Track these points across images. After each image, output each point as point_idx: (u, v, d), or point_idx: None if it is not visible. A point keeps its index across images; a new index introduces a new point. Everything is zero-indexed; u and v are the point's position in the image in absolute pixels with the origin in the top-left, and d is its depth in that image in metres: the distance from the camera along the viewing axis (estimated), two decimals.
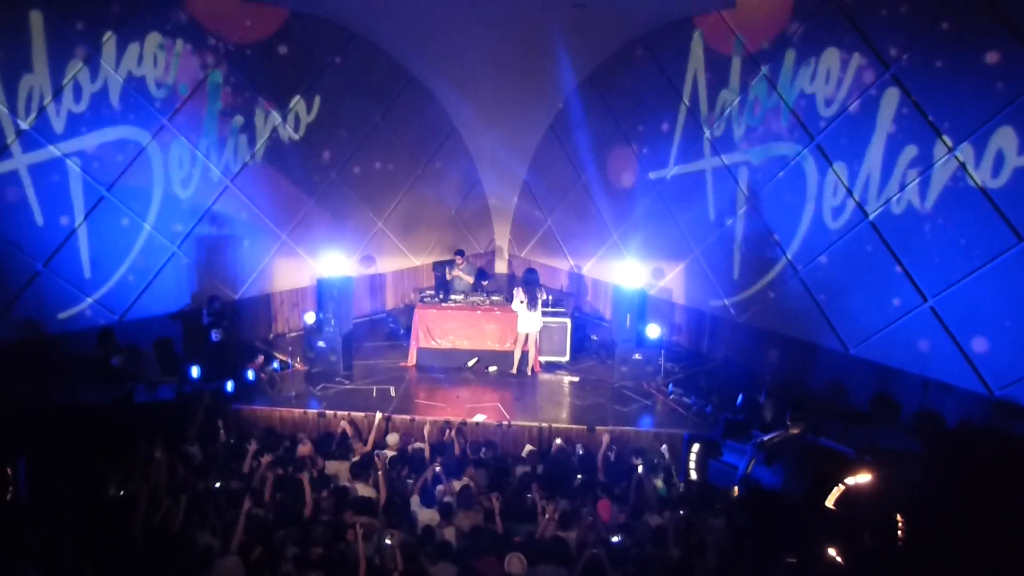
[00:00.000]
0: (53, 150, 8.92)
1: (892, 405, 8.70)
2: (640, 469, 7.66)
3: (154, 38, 9.43)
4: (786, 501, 6.12)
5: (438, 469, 7.45)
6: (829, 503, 5.92)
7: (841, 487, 5.90)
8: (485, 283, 11.70)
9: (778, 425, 7.26)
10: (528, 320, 10.43)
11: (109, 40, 9.06)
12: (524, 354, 10.64)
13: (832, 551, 5.78)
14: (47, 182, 8.94)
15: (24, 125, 8.66)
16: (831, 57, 8.81)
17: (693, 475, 7.35)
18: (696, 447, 7.33)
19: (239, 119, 10.56)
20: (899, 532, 6.02)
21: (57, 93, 8.81)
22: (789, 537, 6.00)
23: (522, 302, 10.37)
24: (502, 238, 14.43)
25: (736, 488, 6.71)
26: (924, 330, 8.40)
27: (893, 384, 8.74)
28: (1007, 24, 7.28)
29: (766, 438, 6.65)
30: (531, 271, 10.89)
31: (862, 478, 5.94)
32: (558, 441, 8.68)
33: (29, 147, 8.76)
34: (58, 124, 8.91)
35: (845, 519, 5.89)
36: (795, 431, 6.69)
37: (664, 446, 8.47)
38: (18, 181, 8.73)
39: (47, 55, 8.65)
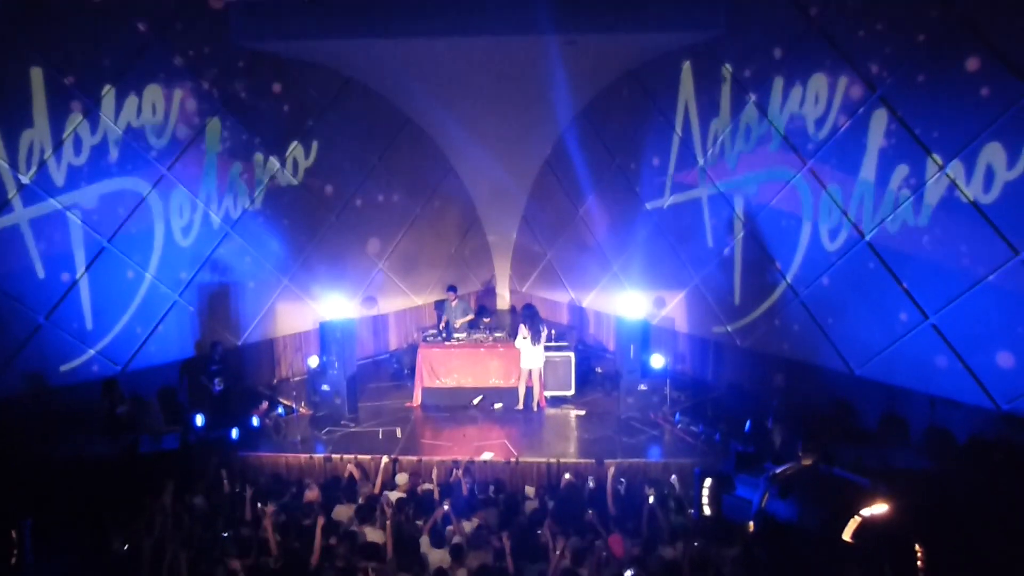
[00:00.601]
0: (54, 203, 9.00)
1: (900, 424, 8.65)
2: (651, 500, 7.58)
3: (152, 89, 9.57)
4: (803, 534, 6.03)
5: (447, 509, 7.38)
6: (846, 535, 5.83)
7: (858, 519, 5.81)
8: (487, 320, 11.70)
9: (788, 453, 7.20)
10: (531, 355, 10.42)
11: (108, 93, 9.20)
12: (529, 389, 10.61)
13: None
14: (48, 235, 9.01)
15: (25, 179, 8.75)
16: (818, 81, 8.94)
17: (706, 510, 7.25)
18: (708, 481, 7.24)
19: (238, 166, 10.67)
20: (919, 562, 5.92)
21: (57, 147, 8.92)
22: (808, 571, 5.91)
23: (525, 338, 10.37)
24: (502, 274, 14.47)
25: (751, 523, 6.61)
26: (927, 347, 8.39)
27: (900, 403, 8.70)
28: (986, 43, 7.42)
29: (779, 470, 6.57)
30: (530, 306, 10.92)
31: (878, 508, 5.85)
32: (567, 476, 8.60)
33: (30, 201, 8.84)
34: (59, 177, 9.00)
35: (863, 551, 5.80)
36: (808, 462, 6.61)
37: (674, 476, 8.39)
38: (19, 235, 8.80)
39: (47, 110, 8.78)
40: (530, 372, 10.53)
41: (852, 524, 5.80)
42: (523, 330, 10.43)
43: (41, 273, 9.01)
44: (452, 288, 11.97)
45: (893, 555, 5.85)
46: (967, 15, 7.53)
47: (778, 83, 9.38)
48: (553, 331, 11.34)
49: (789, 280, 9.72)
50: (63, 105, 8.90)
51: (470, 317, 11.63)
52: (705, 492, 7.24)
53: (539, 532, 6.96)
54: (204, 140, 10.23)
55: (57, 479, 7.85)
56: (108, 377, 9.36)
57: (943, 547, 6.03)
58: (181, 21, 9.60)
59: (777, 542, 6.19)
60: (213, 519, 7.37)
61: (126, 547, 6.73)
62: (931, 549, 5.91)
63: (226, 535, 6.96)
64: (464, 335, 11.13)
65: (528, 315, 10.62)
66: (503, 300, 14.54)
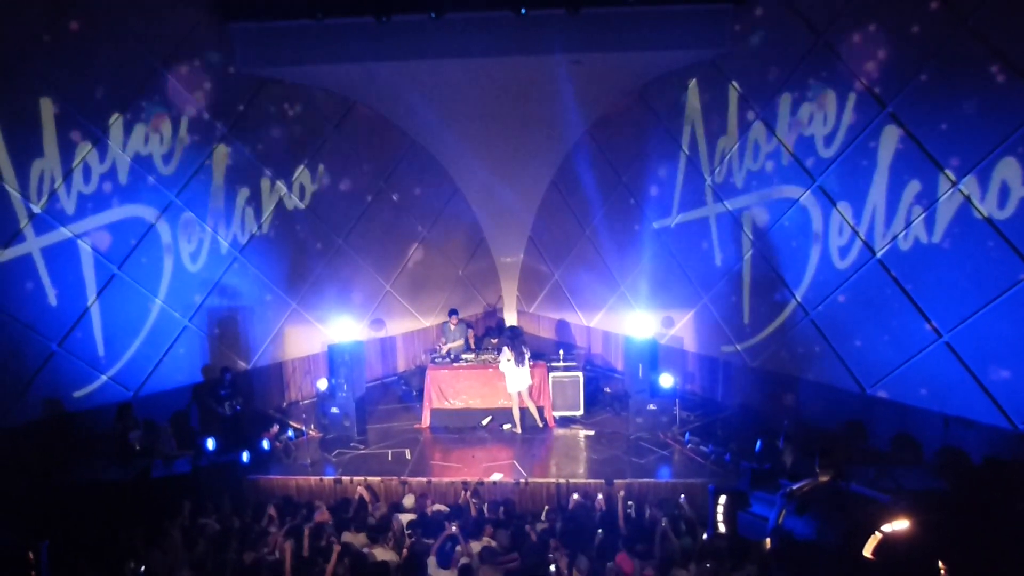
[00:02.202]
0: (65, 231, 9.07)
1: (914, 444, 8.56)
2: (664, 522, 7.52)
3: (159, 117, 9.64)
4: (822, 552, 5.95)
5: (455, 530, 7.34)
6: (867, 552, 5.75)
7: (878, 535, 5.74)
8: (494, 341, 11.64)
9: (802, 471, 7.12)
10: (516, 378, 10.35)
11: (116, 122, 9.29)
12: (524, 411, 10.55)
13: None
14: (59, 263, 9.07)
15: (36, 208, 8.83)
16: (827, 99, 8.93)
17: (721, 528, 7.18)
18: (723, 499, 7.18)
19: (245, 191, 10.73)
20: None
21: (67, 176, 9.00)
22: None
23: (509, 360, 10.31)
24: (510, 294, 14.46)
25: (768, 540, 6.54)
26: (941, 366, 8.31)
27: (913, 422, 8.61)
28: (1000, 56, 7.37)
29: (795, 487, 6.50)
30: (514, 328, 10.91)
31: (899, 524, 5.78)
32: (576, 496, 8.55)
33: (41, 230, 8.91)
34: (69, 206, 9.07)
35: (885, 568, 5.71)
36: (825, 478, 6.54)
37: (683, 496, 8.30)
38: (31, 264, 8.86)
39: (57, 139, 8.87)
40: (519, 394, 10.47)
41: (872, 540, 5.70)
42: (506, 352, 10.38)
43: (53, 301, 9.07)
44: (453, 312, 12.00)
45: (915, 572, 5.77)
46: (980, 29, 7.50)
47: (786, 100, 9.37)
48: (561, 351, 11.33)
49: (799, 298, 9.67)
50: (72, 134, 8.99)
51: (459, 343, 11.61)
52: (719, 509, 7.17)
53: (549, 556, 6.91)
54: (211, 166, 10.30)
55: (72, 503, 7.91)
56: (121, 403, 9.38)
57: (965, 565, 5.95)
58: (187, 49, 9.70)
59: (795, 559, 6.11)
60: (225, 541, 7.37)
61: (142, 569, 6.73)
62: (953, 567, 5.83)
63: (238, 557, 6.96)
64: (472, 356, 11.11)
65: (511, 336, 10.58)
66: (511, 321, 14.51)
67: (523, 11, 9.42)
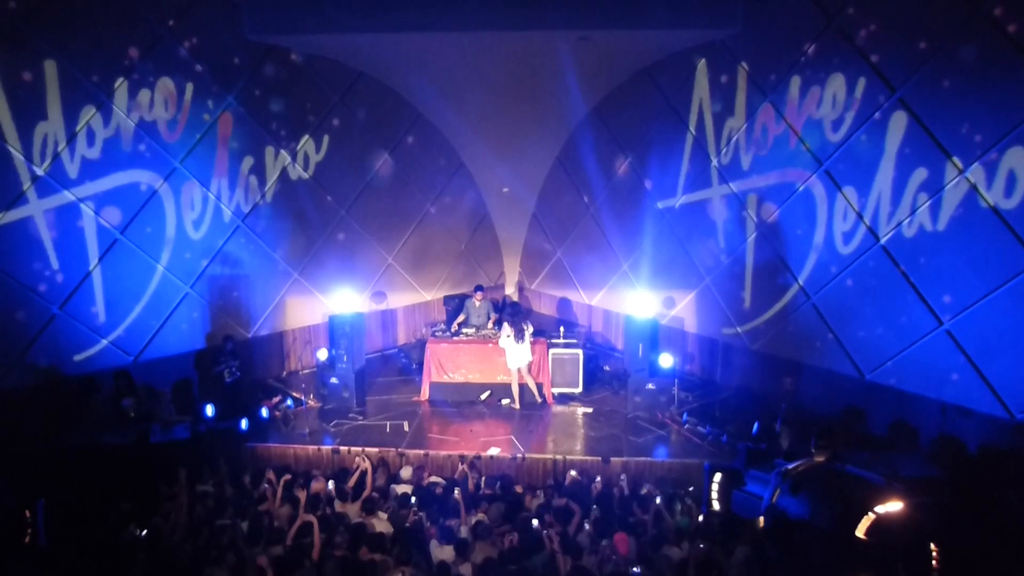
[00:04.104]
0: (68, 195, 9.04)
1: (910, 431, 8.59)
2: (658, 500, 7.58)
3: (164, 83, 9.58)
4: (815, 531, 6.00)
5: (452, 503, 7.40)
6: (860, 533, 5.79)
7: (871, 516, 5.77)
8: (493, 316, 11.57)
9: (799, 453, 7.17)
10: (517, 354, 10.37)
11: (121, 86, 9.22)
12: (523, 387, 10.59)
13: None
14: (62, 226, 9.05)
15: (39, 171, 8.79)
16: (836, 83, 8.85)
17: (715, 505, 7.24)
18: (718, 477, 7.23)
19: (249, 160, 10.69)
20: (934, 562, 5.87)
21: (71, 139, 8.95)
22: (819, 568, 5.88)
23: (508, 336, 10.32)
24: (512, 271, 14.46)
25: (762, 519, 6.59)
26: (941, 354, 8.32)
27: (911, 409, 8.63)
28: (1013, 43, 7.30)
29: (791, 466, 6.54)
30: (515, 304, 10.87)
31: (893, 506, 5.81)
32: (572, 473, 8.61)
33: (44, 193, 8.88)
34: (72, 169, 9.04)
35: (877, 549, 5.75)
36: (820, 459, 6.58)
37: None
38: (34, 226, 8.85)
39: (61, 103, 8.81)
40: (519, 370, 10.50)
41: (866, 521, 5.75)
42: (506, 328, 10.39)
43: (55, 264, 9.06)
44: (479, 287, 11.62)
45: (907, 554, 5.81)
46: (992, 16, 7.40)
47: (795, 83, 9.29)
48: (562, 328, 11.34)
49: (801, 283, 9.66)
50: (77, 98, 8.92)
51: (494, 318, 11.32)
52: (714, 487, 7.23)
53: (543, 532, 6.94)
54: (216, 134, 10.25)
55: (71, 465, 7.96)
56: (119, 368, 9.41)
57: (956, 549, 5.99)
58: (194, 15, 9.61)
59: (788, 538, 6.17)
60: (222, 507, 7.43)
61: (142, 532, 6.80)
62: (945, 550, 5.87)
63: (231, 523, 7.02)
64: (473, 331, 11.13)
65: (511, 313, 10.58)
66: (513, 297, 14.52)
67: None
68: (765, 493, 6.61)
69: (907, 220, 8.42)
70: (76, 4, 8.71)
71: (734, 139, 10.18)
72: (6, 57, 8.35)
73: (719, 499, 7.22)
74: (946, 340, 8.24)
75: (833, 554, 5.85)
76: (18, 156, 8.62)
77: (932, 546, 5.87)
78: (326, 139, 11.41)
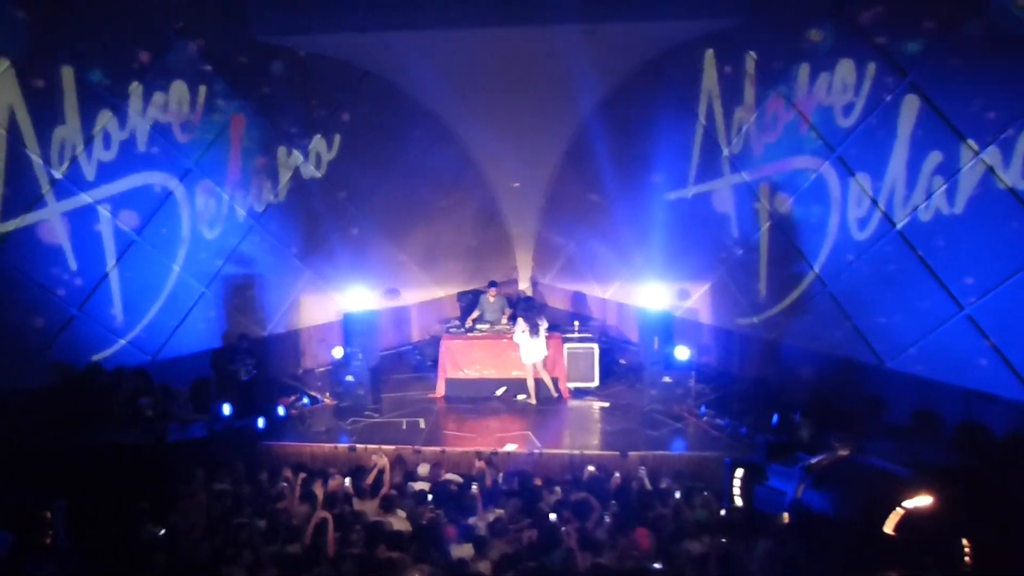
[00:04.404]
0: (85, 197, 9.11)
1: (934, 419, 8.46)
2: (677, 494, 7.52)
3: (178, 85, 9.65)
4: (841, 527, 5.90)
5: (470, 500, 7.39)
6: (887, 528, 5.69)
7: (900, 510, 5.66)
8: (508, 311, 11.53)
9: (820, 445, 7.07)
10: (532, 349, 10.34)
11: (136, 90, 9.29)
12: (539, 382, 10.56)
13: None
14: (80, 228, 9.13)
15: (57, 175, 8.87)
16: (846, 68, 8.74)
17: (737, 501, 7.15)
18: (739, 472, 7.13)
19: (262, 160, 10.75)
20: (966, 557, 5.75)
21: (88, 142, 9.03)
22: (847, 565, 5.79)
23: (524, 331, 10.29)
24: (525, 265, 14.44)
25: (786, 515, 6.50)
26: (963, 339, 8.18)
27: (934, 397, 8.49)
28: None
29: (814, 460, 6.44)
30: (529, 299, 10.85)
31: (922, 500, 5.69)
32: (590, 468, 8.56)
33: (62, 195, 8.96)
34: (89, 172, 9.11)
35: (906, 544, 5.65)
36: (844, 452, 6.47)
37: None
38: (52, 229, 8.93)
39: (78, 107, 8.89)
40: (534, 365, 10.47)
41: (894, 516, 5.63)
42: (520, 323, 10.36)
43: (74, 265, 9.14)
44: (493, 283, 11.64)
45: (938, 549, 5.71)
46: None
47: (804, 70, 9.20)
48: (576, 322, 11.31)
49: (817, 271, 9.57)
50: (93, 102, 9.00)
51: (508, 313, 11.34)
52: (736, 483, 7.13)
53: (561, 528, 6.90)
54: (229, 134, 10.31)
55: (89, 465, 8.00)
56: (136, 368, 9.48)
57: (989, 543, 5.88)
58: (205, 18, 9.69)
59: (813, 534, 6.08)
60: (240, 505, 7.46)
61: (161, 532, 6.83)
62: (978, 545, 5.76)
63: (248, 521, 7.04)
64: (487, 327, 11.11)
65: (525, 308, 10.56)
66: (526, 292, 14.50)
67: None
68: (788, 488, 6.51)
69: (923, 204, 8.30)
70: (90, 11, 8.80)
71: (744, 128, 10.10)
72: (24, 64, 8.43)
73: (741, 495, 7.12)
74: (968, 325, 8.11)
75: (860, 550, 5.75)
76: (37, 160, 8.70)
77: (964, 541, 5.74)
78: (337, 138, 11.46)
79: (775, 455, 7.06)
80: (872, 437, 7.82)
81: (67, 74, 8.78)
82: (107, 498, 7.44)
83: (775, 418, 8.69)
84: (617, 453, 8.89)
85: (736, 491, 7.10)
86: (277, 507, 7.45)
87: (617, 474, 8.30)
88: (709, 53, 10.32)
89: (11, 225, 8.56)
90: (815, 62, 9.07)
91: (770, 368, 10.48)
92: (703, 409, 9.90)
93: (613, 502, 7.48)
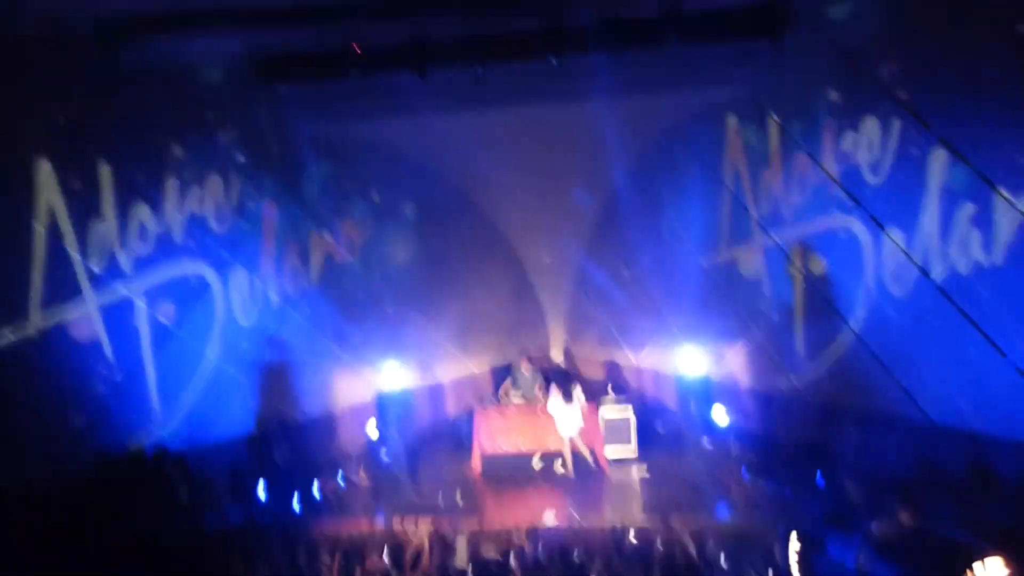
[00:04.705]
0: (122, 290, 9.33)
1: (990, 474, 8.12)
2: (723, 562, 7.26)
3: (214, 179, 9.97)
4: None
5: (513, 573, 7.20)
6: None
7: None
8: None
9: (871, 509, 6.81)
10: (567, 419, 10.21)
11: (171, 184, 9.61)
12: (576, 454, 10.38)
13: None
14: (116, 320, 9.29)
15: (96, 269, 9.11)
16: (870, 125, 8.74)
17: (795, 572, 6.86)
18: (795, 542, 6.86)
19: (295, 246, 10.97)
20: None
21: (124, 237, 9.29)
22: None
23: (557, 398, 10.20)
24: (558, 337, 14.39)
25: None
26: (1011, 391, 7.90)
27: (986, 452, 8.18)
28: None
29: (874, 528, 6.18)
30: (563, 371, 10.77)
31: (993, 564, 5.41)
32: (632, 538, 8.31)
33: (100, 288, 9.18)
34: (126, 265, 9.34)
35: None
36: (904, 517, 6.21)
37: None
38: (89, 321, 9.11)
39: (115, 202, 9.19)
40: (571, 439, 10.31)
41: None
42: (554, 391, 10.27)
43: (110, 356, 9.28)
44: (527, 356, 11.65)
45: None
46: (1016, 32, 7.21)
47: (828, 130, 9.24)
48: (611, 389, 11.18)
49: (856, 329, 9.39)
50: (129, 197, 9.28)
51: (542, 385, 11.28)
52: (792, 553, 6.84)
53: None
54: (262, 222, 10.58)
55: (127, 557, 7.94)
56: (172, 454, 9.49)
57: None
58: (237, 110, 10.06)
59: None
60: None
61: None
62: None
63: None
64: (521, 399, 11.03)
65: (559, 376, 10.48)
66: (559, 363, 14.41)
67: (554, 62, 9.45)
68: (848, 557, 6.24)
69: (959, 257, 8.16)
70: (126, 106, 9.16)
71: (772, 189, 10.11)
72: (62, 163, 8.76)
73: (799, 566, 6.82)
74: (1015, 375, 7.85)
75: None
76: (76, 256, 8.95)
77: None
78: (369, 219, 11.68)
79: (831, 523, 6.80)
80: (928, 497, 7.52)
81: (104, 171, 9.08)
82: None
83: (819, 478, 8.42)
84: (660, 522, 8.63)
85: (794, 563, 6.82)
86: None
87: (659, 542, 8.03)
88: (732, 119, 10.45)
89: (51, 319, 8.75)
90: (838, 121, 9.10)
91: (812, 428, 10.19)
92: (745, 472, 9.62)
93: (658, 573, 7.22)
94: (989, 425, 8.14)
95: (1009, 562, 5.33)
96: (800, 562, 6.75)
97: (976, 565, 5.36)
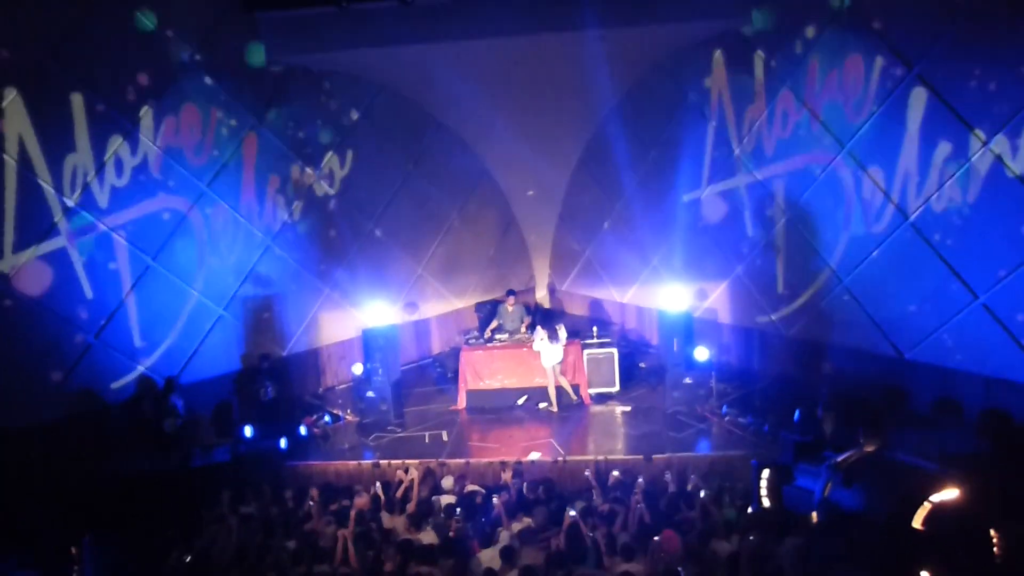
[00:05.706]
0: (99, 224, 9.18)
1: (955, 407, 8.40)
2: (703, 494, 7.49)
3: (189, 108, 9.73)
4: (870, 523, 5.86)
5: (499, 504, 7.38)
6: (917, 523, 5.64)
7: (928, 505, 5.61)
8: (526, 319, 11.55)
9: (842, 441, 7.02)
10: (551, 354, 10.37)
11: (146, 114, 9.37)
12: (560, 390, 10.55)
13: (926, 574, 5.51)
14: (94, 256, 9.19)
15: (70, 202, 8.94)
16: (854, 63, 8.73)
17: (765, 502, 7.11)
18: (766, 473, 7.09)
19: (276, 179, 10.81)
20: (995, 548, 5.69)
21: (99, 169, 9.10)
22: (877, 562, 5.75)
23: (543, 339, 10.33)
24: (542, 273, 14.44)
25: (815, 513, 6.46)
26: (979, 328, 8.13)
27: (953, 386, 8.45)
28: None
29: (840, 458, 6.39)
30: (548, 310, 10.84)
31: (949, 494, 5.64)
32: (615, 473, 8.53)
33: (75, 223, 9.02)
34: (102, 199, 9.17)
35: (935, 539, 5.60)
36: (871, 448, 6.43)
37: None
38: (66, 257, 8.97)
39: (88, 133, 8.96)
40: (555, 372, 10.47)
41: (922, 511, 5.59)
42: (539, 331, 10.39)
43: (89, 293, 9.19)
44: (511, 292, 11.68)
45: (967, 542, 5.65)
46: None
47: (812, 67, 9.19)
48: (595, 328, 11.30)
49: (833, 266, 9.53)
50: (103, 128, 9.07)
51: (527, 322, 11.36)
52: (763, 483, 7.08)
53: (589, 534, 6.87)
54: (241, 155, 10.38)
55: (113, 496, 8.03)
56: (156, 391, 9.53)
57: (1018, 534, 5.81)
58: (214, 39, 9.76)
59: (843, 532, 6.04)
60: (268, 529, 7.46)
61: (187, 559, 6.83)
62: (1007, 536, 5.69)
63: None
64: (506, 336, 11.11)
65: (546, 316, 10.58)
66: (544, 299, 14.51)
67: None
68: (816, 487, 6.48)
69: (935, 195, 8.26)
70: (100, 37, 8.88)
71: (756, 127, 10.08)
72: (34, 92, 8.50)
73: (769, 496, 7.07)
74: (983, 314, 8.06)
75: (891, 546, 5.71)
76: (48, 188, 8.77)
77: (993, 532, 5.68)
78: (350, 154, 11.52)
79: (801, 454, 7.02)
80: (895, 429, 7.77)
81: (76, 101, 8.84)
82: (133, 528, 7.45)
83: (797, 414, 8.64)
84: (641, 457, 8.86)
85: (764, 492, 7.07)
86: (304, 528, 7.47)
87: (641, 479, 8.26)
88: (717, 53, 10.33)
89: (25, 255, 8.62)
90: (823, 59, 9.05)
91: (790, 365, 10.44)
92: (725, 408, 9.86)
93: (640, 506, 7.45)
94: (956, 361, 8.40)
95: (965, 491, 5.56)
96: (770, 492, 6.99)
97: (935, 495, 5.58)
